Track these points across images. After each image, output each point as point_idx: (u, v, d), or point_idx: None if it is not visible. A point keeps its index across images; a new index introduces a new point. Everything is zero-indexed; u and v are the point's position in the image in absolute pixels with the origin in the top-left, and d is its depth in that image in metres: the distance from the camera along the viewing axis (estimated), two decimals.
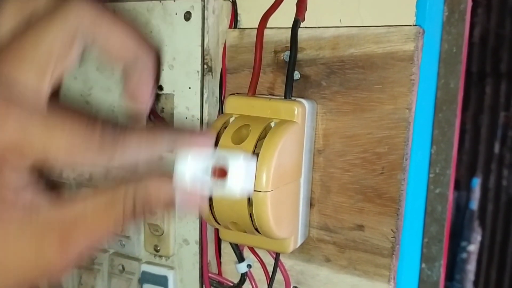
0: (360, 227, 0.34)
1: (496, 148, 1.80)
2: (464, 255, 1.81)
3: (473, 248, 1.83)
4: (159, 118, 0.41)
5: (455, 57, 0.44)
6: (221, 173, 0.26)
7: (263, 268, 0.37)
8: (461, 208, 1.82)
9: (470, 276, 1.83)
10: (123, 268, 0.41)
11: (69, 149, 0.21)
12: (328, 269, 0.36)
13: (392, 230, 0.33)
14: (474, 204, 1.84)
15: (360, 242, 0.34)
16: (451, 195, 0.47)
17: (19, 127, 0.21)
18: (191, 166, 0.25)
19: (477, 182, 1.87)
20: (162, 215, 0.38)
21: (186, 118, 0.37)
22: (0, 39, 0.23)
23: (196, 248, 0.38)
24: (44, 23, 0.23)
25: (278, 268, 0.37)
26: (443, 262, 0.48)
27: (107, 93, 0.40)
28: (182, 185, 0.25)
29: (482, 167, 1.84)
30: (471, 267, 1.84)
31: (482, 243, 1.84)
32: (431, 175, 0.45)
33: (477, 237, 1.83)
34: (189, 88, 0.36)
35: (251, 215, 0.31)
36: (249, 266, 0.37)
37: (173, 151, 0.25)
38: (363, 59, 0.33)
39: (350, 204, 0.35)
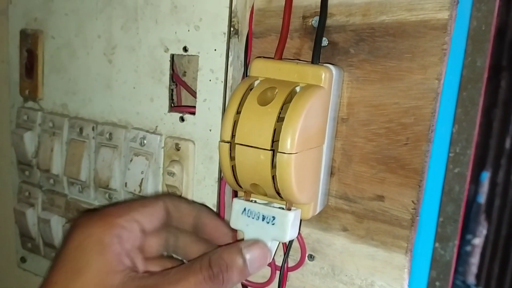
0: (380, 198, 0.34)
1: (507, 143, 1.79)
2: (468, 248, 1.81)
3: (478, 241, 1.83)
4: (180, 82, 0.41)
5: (483, 35, 0.43)
6: None
7: None
8: (468, 201, 1.81)
9: (473, 269, 1.83)
10: None
11: None
12: (345, 238, 0.36)
13: (413, 201, 0.33)
14: (482, 198, 1.83)
15: (379, 213, 0.34)
16: (469, 175, 0.46)
17: None
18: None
19: (486, 176, 1.85)
20: (180, 177, 0.38)
21: (210, 80, 0.37)
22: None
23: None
24: None
25: None
26: (457, 243, 0.47)
27: (130, 52, 0.40)
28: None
29: (492, 162, 1.83)
30: (475, 260, 1.83)
31: (487, 237, 1.83)
32: (451, 154, 0.45)
33: (482, 231, 1.82)
34: (215, 50, 0.36)
35: (273, 177, 0.31)
36: None
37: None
38: (394, 26, 0.32)
39: (372, 174, 0.34)
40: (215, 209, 0.38)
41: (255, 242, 0.31)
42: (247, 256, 0.30)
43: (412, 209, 0.33)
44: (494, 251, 1.79)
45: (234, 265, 0.29)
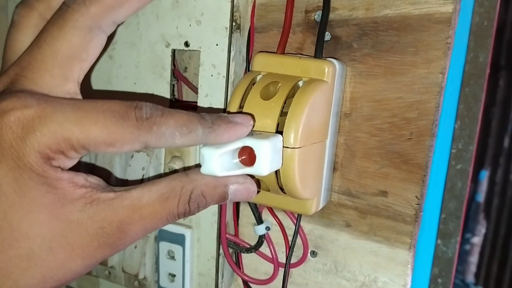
0: (384, 193, 0.34)
1: (506, 142, 1.79)
2: (467, 247, 1.81)
3: (477, 240, 1.83)
4: (182, 77, 0.41)
5: (486, 30, 0.43)
6: (249, 157, 0.27)
7: (282, 231, 0.37)
8: (467, 200, 1.81)
9: (472, 268, 1.83)
10: None
11: (106, 133, 0.22)
12: (348, 234, 0.36)
13: (416, 197, 0.33)
14: (481, 197, 1.83)
15: (383, 208, 0.34)
16: (471, 172, 0.46)
17: (58, 125, 0.21)
18: (218, 156, 0.26)
19: (484, 175, 1.85)
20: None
21: (212, 75, 0.36)
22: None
23: (214, 208, 0.38)
24: (57, 26, 0.24)
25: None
26: (459, 239, 0.47)
27: (131, 48, 0.40)
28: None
29: (491, 161, 1.83)
30: (474, 259, 1.84)
31: (486, 236, 1.83)
32: (453, 151, 0.45)
33: (481, 229, 1.83)
34: (216, 45, 0.36)
35: (276, 172, 0.30)
36: (267, 228, 0.37)
37: (207, 143, 0.26)
38: (398, 20, 0.32)
39: (375, 170, 0.34)
40: (216, 206, 0.38)
41: (243, 179, 0.27)
42: (231, 196, 0.26)
43: (415, 204, 0.33)
44: (493, 250, 1.80)
45: (214, 201, 0.26)
